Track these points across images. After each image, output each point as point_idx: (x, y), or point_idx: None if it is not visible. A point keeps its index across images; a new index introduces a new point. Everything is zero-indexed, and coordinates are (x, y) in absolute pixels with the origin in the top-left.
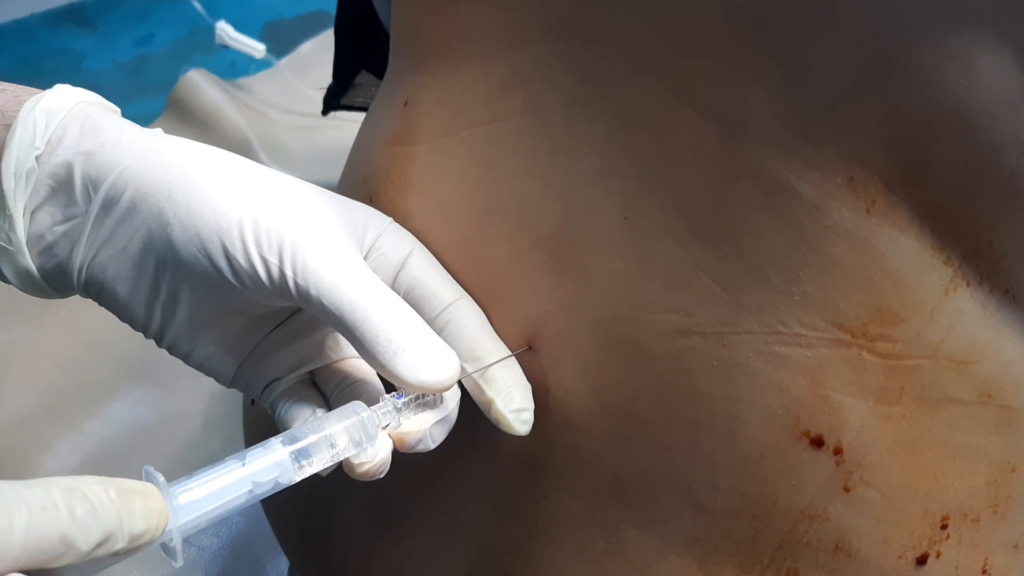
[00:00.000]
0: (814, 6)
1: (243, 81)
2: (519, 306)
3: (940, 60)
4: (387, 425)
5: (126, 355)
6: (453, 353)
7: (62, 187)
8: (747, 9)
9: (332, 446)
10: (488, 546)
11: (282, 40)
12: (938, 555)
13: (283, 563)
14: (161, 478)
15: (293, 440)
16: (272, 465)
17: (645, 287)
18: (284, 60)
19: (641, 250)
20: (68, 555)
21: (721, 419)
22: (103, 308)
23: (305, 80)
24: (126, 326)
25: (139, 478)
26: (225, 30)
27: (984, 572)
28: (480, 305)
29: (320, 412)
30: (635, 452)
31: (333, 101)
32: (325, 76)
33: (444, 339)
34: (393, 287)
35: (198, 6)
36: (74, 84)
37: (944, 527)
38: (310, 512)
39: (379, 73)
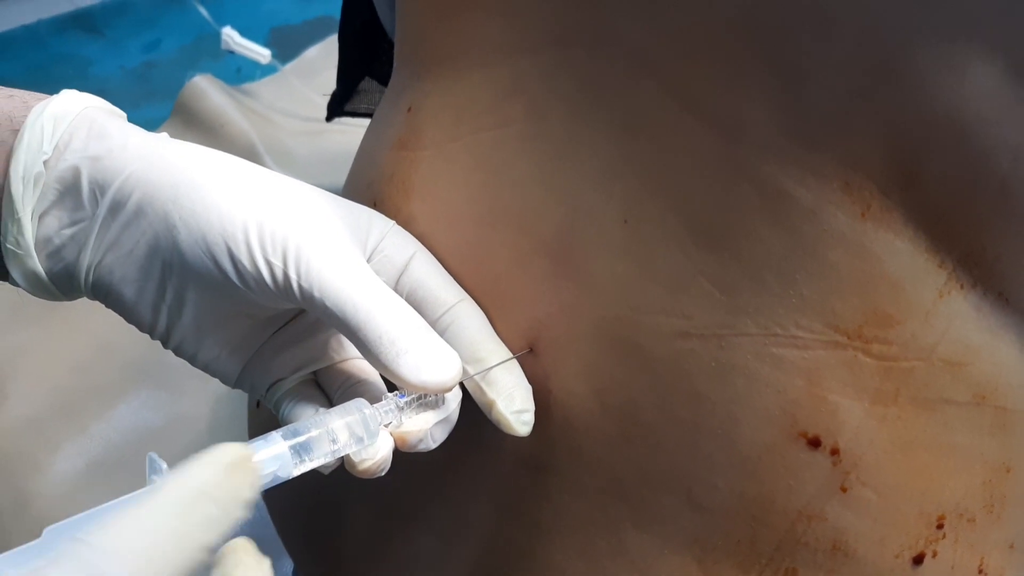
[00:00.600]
0: (812, 15)
1: (249, 86)
2: (521, 308)
3: (935, 68)
4: (389, 423)
5: (133, 358)
6: (455, 355)
7: (69, 191)
8: (747, 17)
9: (333, 441)
10: (490, 546)
11: (287, 46)
12: (934, 555)
13: (288, 564)
14: (164, 465)
15: (295, 434)
16: (272, 458)
17: (645, 290)
18: (289, 65)
19: (641, 254)
20: None
21: (720, 420)
22: (110, 311)
23: (310, 85)
24: (133, 329)
25: (142, 479)
26: (231, 36)
27: (980, 572)
28: (482, 308)
29: (323, 411)
30: (635, 453)
31: (337, 107)
32: (330, 81)
33: (446, 341)
34: (396, 289)
35: (204, 12)
36: (82, 89)
37: (940, 527)
38: (315, 513)
39: (383, 79)
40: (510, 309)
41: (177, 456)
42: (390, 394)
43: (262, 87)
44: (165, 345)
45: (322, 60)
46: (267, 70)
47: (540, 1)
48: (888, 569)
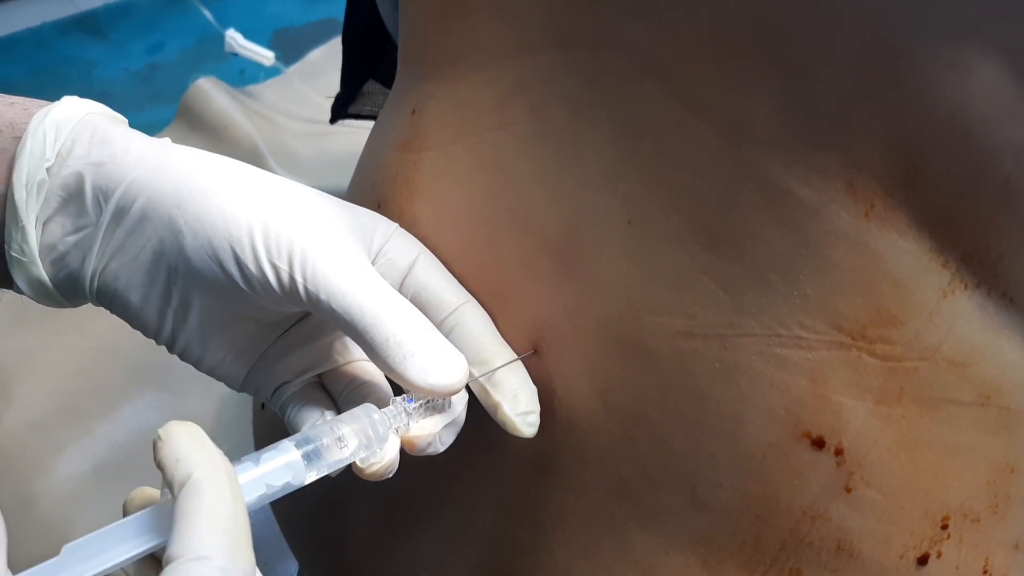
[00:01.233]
0: (817, 14)
1: (252, 89)
2: (525, 309)
3: (938, 67)
4: (397, 427)
5: (137, 360)
6: (462, 357)
7: (73, 198)
8: (750, 16)
9: (344, 448)
10: (495, 546)
11: (291, 48)
12: (939, 555)
13: (293, 566)
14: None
15: (306, 442)
16: (285, 467)
17: (649, 290)
18: (293, 68)
19: (645, 254)
20: None
21: (724, 420)
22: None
23: (314, 87)
24: (138, 332)
25: (148, 481)
26: (234, 38)
27: (985, 572)
28: (486, 309)
29: (329, 414)
30: (639, 453)
31: (341, 110)
32: (334, 83)
33: (451, 343)
34: (400, 292)
35: (208, 15)
36: (86, 92)
37: (944, 527)
38: (321, 515)
39: (386, 82)
40: (514, 310)
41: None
42: (397, 398)
43: (266, 89)
44: (170, 350)
45: (325, 62)
46: (271, 72)
47: (542, 2)
48: (892, 569)
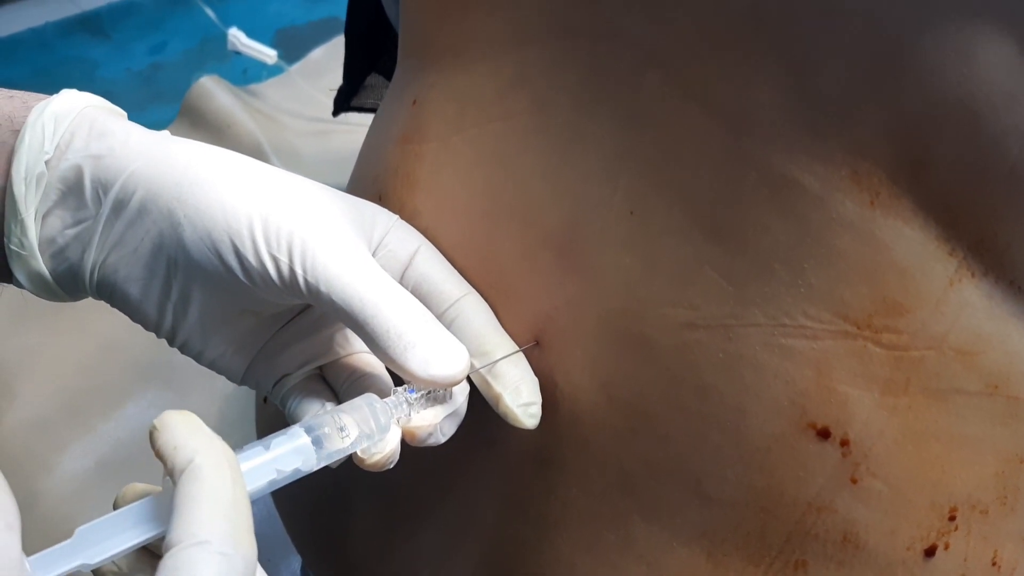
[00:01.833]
0: (818, 2)
1: (255, 87)
2: (526, 302)
3: (942, 53)
4: (398, 418)
5: (140, 359)
6: (463, 348)
7: (72, 191)
8: (751, 6)
9: (346, 437)
10: (497, 541)
11: (293, 46)
12: (946, 547)
13: (296, 562)
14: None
15: (312, 429)
16: (294, 453)
17: (651, 282)
18: (295, 66)
19: (647, 245)
20: None
21: (728, 411)
22: (116, 311)
23: (316, 85)
24: (140, 329)
25: (150, 478)
26: (237, 37)
27: (994, 564)
28: (488, 301)
29: (329, 406)
30: (643, 445)
31: (344, 102)
32: (336, 81)
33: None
34: (400, 283)
35: (210, 14)
36: (89, 92)
37: (952, 519)
38: (323, 510)
39: (388, 74)
40: (516, 302)
41: None
42: (399, 388)
43: (268, 88)
44: (171, 343)
45: (328, 60)
46: (273, 71)
47: None
48: (899, 561)
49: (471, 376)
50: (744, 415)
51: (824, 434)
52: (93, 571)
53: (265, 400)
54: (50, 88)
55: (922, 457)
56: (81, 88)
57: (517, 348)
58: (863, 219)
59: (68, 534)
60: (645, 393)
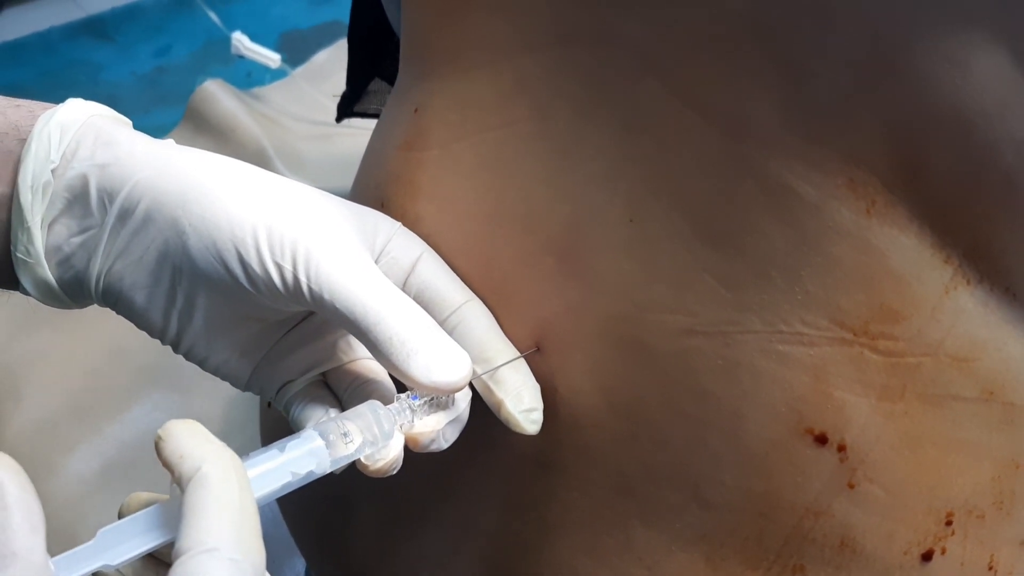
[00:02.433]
0: (815, 10)
1: (259, 91)
2: (527, 308)
3: (936, 62)
4: (401, 424)
5: (146, 361)
6: (465, 354)
7: (78, 199)
8: (748, 13)
9: (350, 443)
10: (498, 544)
11: (297, 50)
12: (943, 551)
13: (300, 564)
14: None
15: (322, 434)
16: (309, 455)
17: (651, 288)
18: (299, 70)
19: (647, 252)
20: None
21: (726, 417)
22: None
23: (320, 89)
24: (146, 333)
25: (156, 480)
26: (241, 41)
27: (991, 569)
28: (489, 306)
29: (333, 412)
30: (642, 450)
31: (347, 108)
32: (339, 85)
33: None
34: (403, 290)
35: (214, 17)
36: (93, 95)
37: (949, 523)
38: (327, 513)
39: (391, 80)
40: (516, 308)
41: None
42: (402, 395)
43: (272, 91)
44: (176, 350)
45: (331, 64)
46: (277, 74)
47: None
48: (897, 566)
49: (473, 382)
50: (742, 420)
51: (821, 439)
52: None
53: (269, 405)
54: (55, 91)
55: (919, 462)
56: (85, 91)
57: (518, 354)
58: (859, 227)
59: (75, 535)
60: (644, 398)
